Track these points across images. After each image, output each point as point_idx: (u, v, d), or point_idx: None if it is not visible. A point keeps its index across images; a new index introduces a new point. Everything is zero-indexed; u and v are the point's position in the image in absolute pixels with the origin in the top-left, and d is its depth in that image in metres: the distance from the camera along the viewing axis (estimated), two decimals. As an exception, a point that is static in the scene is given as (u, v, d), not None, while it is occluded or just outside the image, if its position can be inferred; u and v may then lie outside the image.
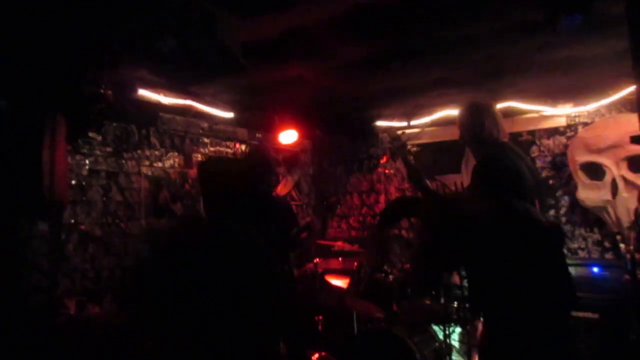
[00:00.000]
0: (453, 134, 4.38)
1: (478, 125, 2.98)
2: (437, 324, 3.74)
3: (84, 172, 3.80)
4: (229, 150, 5.18)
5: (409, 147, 3.29)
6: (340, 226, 6.38)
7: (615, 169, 4.39)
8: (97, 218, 3.85)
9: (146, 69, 3.04)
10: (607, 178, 4.45)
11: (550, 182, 5.04)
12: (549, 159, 5.09)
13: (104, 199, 3.92)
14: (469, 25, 2.92)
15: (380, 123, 5.76)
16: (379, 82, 4.19)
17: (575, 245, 4.90)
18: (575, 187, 4.72)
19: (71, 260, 3.64)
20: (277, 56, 3.30)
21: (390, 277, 3.86)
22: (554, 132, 5.08)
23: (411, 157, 3.06)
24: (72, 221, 3.69)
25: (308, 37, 2.92)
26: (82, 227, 3.74)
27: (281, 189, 5.15)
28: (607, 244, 4.74)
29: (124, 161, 4.09)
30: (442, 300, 3.72)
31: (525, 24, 2.87)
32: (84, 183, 3.79)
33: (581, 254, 4.86)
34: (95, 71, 2.59)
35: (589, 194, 4.58)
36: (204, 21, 2.17)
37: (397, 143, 3.22)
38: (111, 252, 3.91)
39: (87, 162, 3.82)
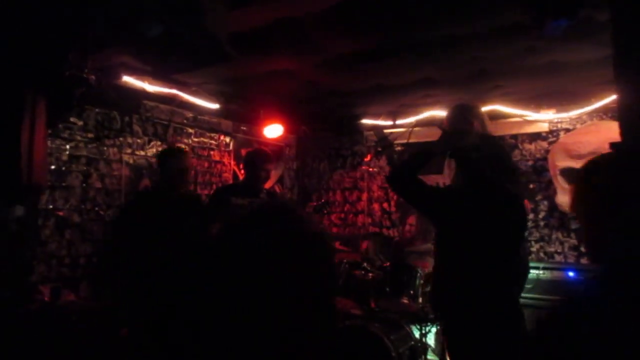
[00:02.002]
0: (437, 134, 4.41)
1: (466, 126, 2.99)
2: (413, 323, 3.76)
3: (64, 157, 3.74)
4: (212, 142, 5.15)
5: (396, 147, 3.27)
6: (322, 223, 6.38)
7: (594, 176, 4.46)
8: (76, 204, 3.80)
9: (131, 55, 3.00)
10: (586, 184, 4.52)
11: (531, 186, 5.10)
12: (530, 163, 5.15)
13: (84, 185, 3.87)
14: (456, 25, 2.94)
15: (365, 121, 5.77)
16: (365, 79, 4.19)
17: (552, 249, 4.98)
18: (555, 192, 4.79)
19: (47, 246, 3.59)
20: (264, 48, 3.28)
21: (369, 274, 3.87)
22: (536, 136, 5.15)
23: (396, 157, 3.05)
24: (50, 206, 3.63)
25: (295, 29, 2.90)
26: (60, 212, 3.68)
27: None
28: (583, 249, 4.81)
29: (105, 148, 4.04)
30: (420, 300, 3.74)
31: (511, 26, 2.89)
32: (63, 168, 3.74)
33: (557, 258, 4.93)
34: (77, 54, 2.54)
35: (568, 198, 4.65)
36: (190, 8, 2.14)
37: (384, 143, 3.21)
38: (88, 239, 3.86)
39: (67, 147, 3.77)
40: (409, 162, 2.53)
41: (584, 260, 4.80)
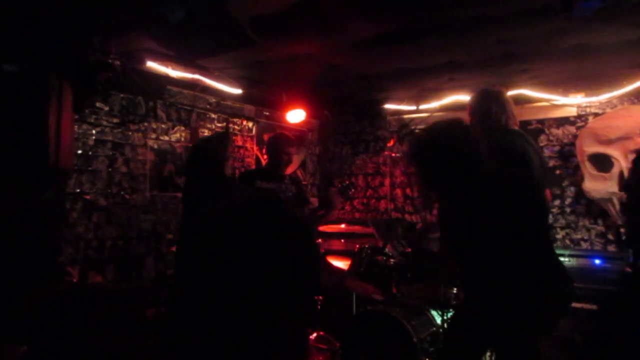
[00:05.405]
0: (462, 119, 4.35)
1: (485, 111, 2.99)
2: (435, 308, 3.75)
3: (90, 142, 3.81)
4: (235, 127, 5.17)
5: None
6: (344, 207, 6.38)
7: (624, 161, 4.35)
8: (102, 188, 3.87)
9: (154, 40, 3.01)
10: (615, 170, 4.41)
11: (557, 172, 5.00)
12: (557, 148, 5.04)
13: (109, 169, 3.93)
14: (482, 6, 2.87)
15: (388, 106, 5.72)
16: (388, 63, 4.14)
17: (578, 237, 4.89)
18: (582, 178, 4.68)
19: (75, 229, 3.68)
20: (286, 31, 3.26)
21: (391, 260, 3.86)
22: (563, 121, 5.03)
23: None
24: (77, 190, 3.71)
25: (317, 11, 2.87)
26: (87, 196, 3.76)
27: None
28: (610, 236, 4.72)
29: (130, 133, 4.09)
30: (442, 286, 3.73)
31: (539, 7, 2.82)
32: (90, 153, 3.80)
33: (584, 245, 4.85)
34: (102, 39, 2.57)
35: (596, 185, 4.55)
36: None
37: (405, 130, 3.20)
38: (115, 223, 3.93)
39: (93, 132, 3.83)
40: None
41: (611, 248, 4.70)
